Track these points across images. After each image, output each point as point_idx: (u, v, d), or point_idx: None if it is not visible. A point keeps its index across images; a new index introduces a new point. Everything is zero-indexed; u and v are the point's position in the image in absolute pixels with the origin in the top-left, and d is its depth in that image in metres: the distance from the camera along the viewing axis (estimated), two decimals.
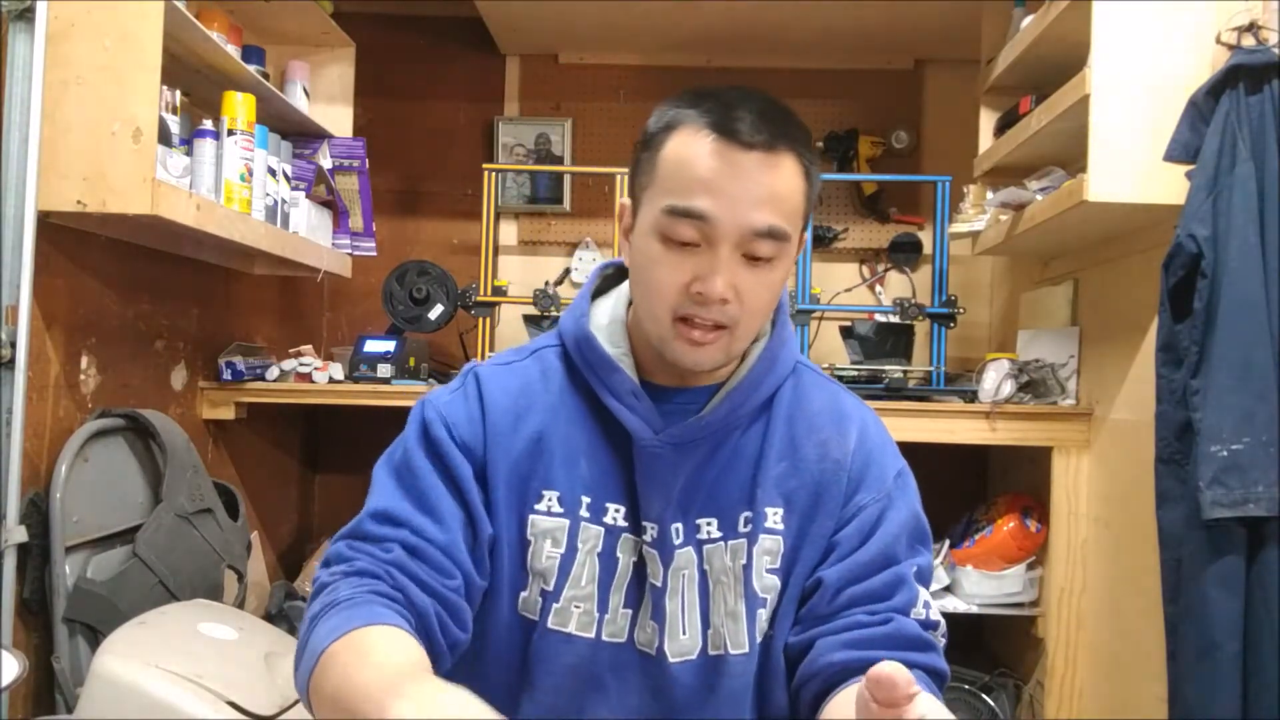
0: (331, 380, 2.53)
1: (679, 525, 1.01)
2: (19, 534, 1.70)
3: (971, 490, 2.90)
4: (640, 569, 1.02)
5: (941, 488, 2.74)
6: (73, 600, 1.77)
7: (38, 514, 1.76)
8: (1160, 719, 1.71)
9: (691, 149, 0.94)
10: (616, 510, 1.02)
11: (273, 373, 2.51)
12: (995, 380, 2.37)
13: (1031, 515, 2.42)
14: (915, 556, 1.03)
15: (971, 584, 2.43)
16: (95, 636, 1.76)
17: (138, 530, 1.91)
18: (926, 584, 1.04)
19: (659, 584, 1.00)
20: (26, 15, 1.71)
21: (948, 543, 2.52)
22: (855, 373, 2.54)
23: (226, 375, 2.44)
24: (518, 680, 1.04)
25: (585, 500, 1.02)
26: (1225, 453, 1.53)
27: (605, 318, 1.07)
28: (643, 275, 0.99)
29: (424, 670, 0.84)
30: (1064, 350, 2.41)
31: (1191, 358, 1.61)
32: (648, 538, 1.01)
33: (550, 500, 1.02)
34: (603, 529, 1.02)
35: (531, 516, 1.01)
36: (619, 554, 1.02)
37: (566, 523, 1.01)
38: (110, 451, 1.97)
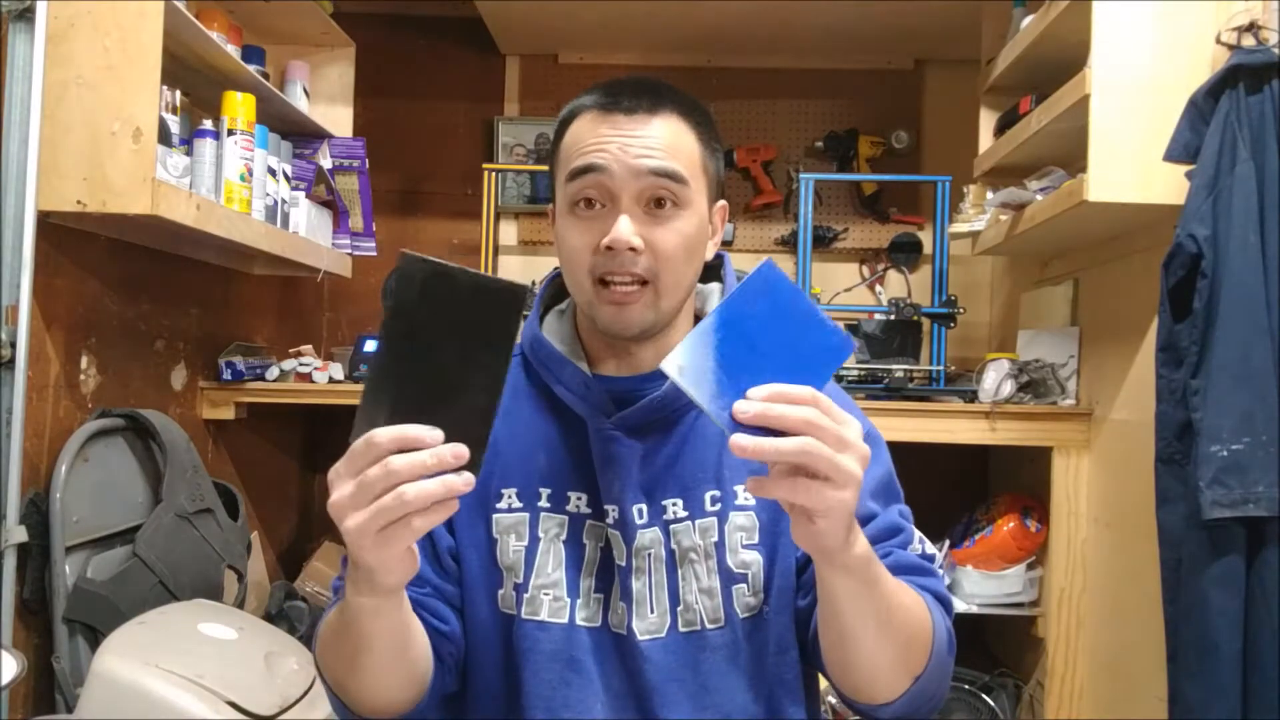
0: (331, 380, 2.53)
1: (642, 506, 1.03)
2: (19, 534, 1.70)
3: (971, 490, 2.90)
4: (608, 552, 1.04)
5: (941, 488, 2.76)
6: (73, 600, 1.77)
7: (38, 514, 1.76)
8: (1160, 719, 1.71)
9: (581, 127, 1.03)
10: (579, 498, 1.05)
11: (273, 373, 2.51)
12: (995, 380, 2.37)
13: (1031, 515, 2.42)
14: (892, 500, 1.08)
15: (971, 584, 2.43)
16: (95, 636, 1.76)
17: (138, 530, 1.91)
18: (900, 512, 1.08)
19: (623, 564, 1.03)
20: (26, 15, 1.71)
21: (948, 543, 2.52)
22: (858, 372, 2.54)
23: (226, 375, 2.44)
24: (506, 676, 1.05)
25: (545, 491, 1.05)
26: (1225, 453, 1.53)
27: (557, 319, 1.13)
28: (562, 252, 1.05)
29: None
30: (1064, 350, 2.41)
31: (1191, 358, 1.61)
32: (609, 520, 1.04)
33: (509, 497, 1.06)
34: (566, 517, 1.05)
35: (494, 516, 1.05)
36: (585, 540, 1.05)
37: (526, 515, 1.05)
38: (110, 451, 1.97)
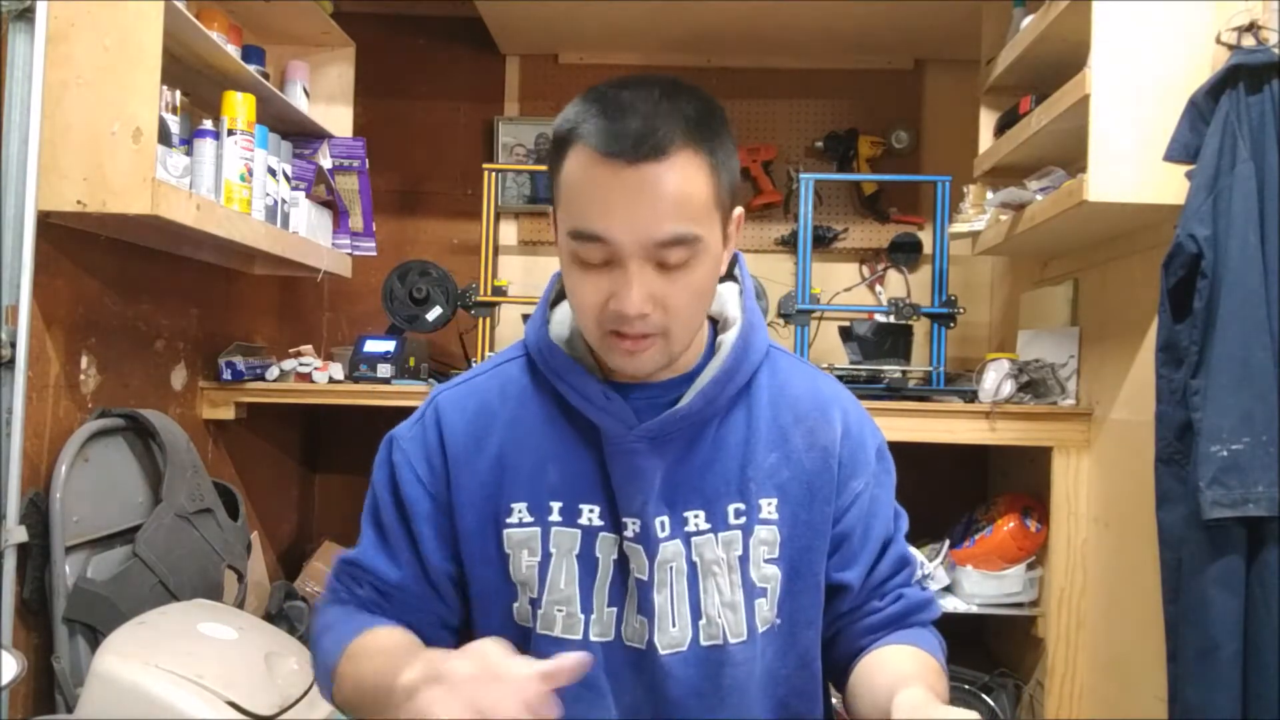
0: (331, 380, 2.53)
1: (664, 518, 1.02)
2: (19, 534, 1.70)
3: (971, 490, 2.90)
4: (623, 566, 1.03)
5: (941, 488, 2.76)
6: (73, 600, 1.77)
7: (38, 514, 1.76)
8: (1160, 719, 1.71)
9: (583, 171, 0.93)
10: (591, 510, 1.03)
11: (273, 373, 2.51)
12: (995, 380, 2.37)
13: (1031, 515, 2.42)
14: (899, 521, 1.12)
15: (971, 584, 2.43)
16: (95, 636, 1.76)
17: (138, 530, 1.91)
18: (907, 538, 1.14)
19: (644, 578, 1.01)
20: (26, 15, 1.71)
21: (948, 543, 2.52)
22: (856, 373, 2.54)
23: (226, 375, 2.44)
24: None
25: (555, 505, 1.03)
26: (1225, 453, 1.53)
27: (565, 324, 1.08)
28: (569, 293, 1.00)
29: (417, 645, 1.01)
30: (1064, 350, 2.41)
31: (1191, 358, 1.61)
32: (629, 533, 1.02)
33: (519, 511, 1.03)
34: (579, 530, 1.03)
35: (505, 531, 1.04)
36: (598, 553, 1.03)
37: (537, 530, 1.03)
38: (110, 451, 1.97)
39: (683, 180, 0.92)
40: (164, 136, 1.90)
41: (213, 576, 2.03)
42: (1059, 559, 2.32)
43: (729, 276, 1.13)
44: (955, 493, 2.79)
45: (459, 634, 1.11)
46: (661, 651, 1.01)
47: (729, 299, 1.10)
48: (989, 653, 2.79)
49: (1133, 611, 2.03)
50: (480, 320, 2.71)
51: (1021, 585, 2.42)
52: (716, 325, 1.10)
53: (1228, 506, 1.51)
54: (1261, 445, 1.51)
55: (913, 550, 1.14)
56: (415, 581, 1.07)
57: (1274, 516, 1.50)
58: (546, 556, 1.02)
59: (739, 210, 1.04)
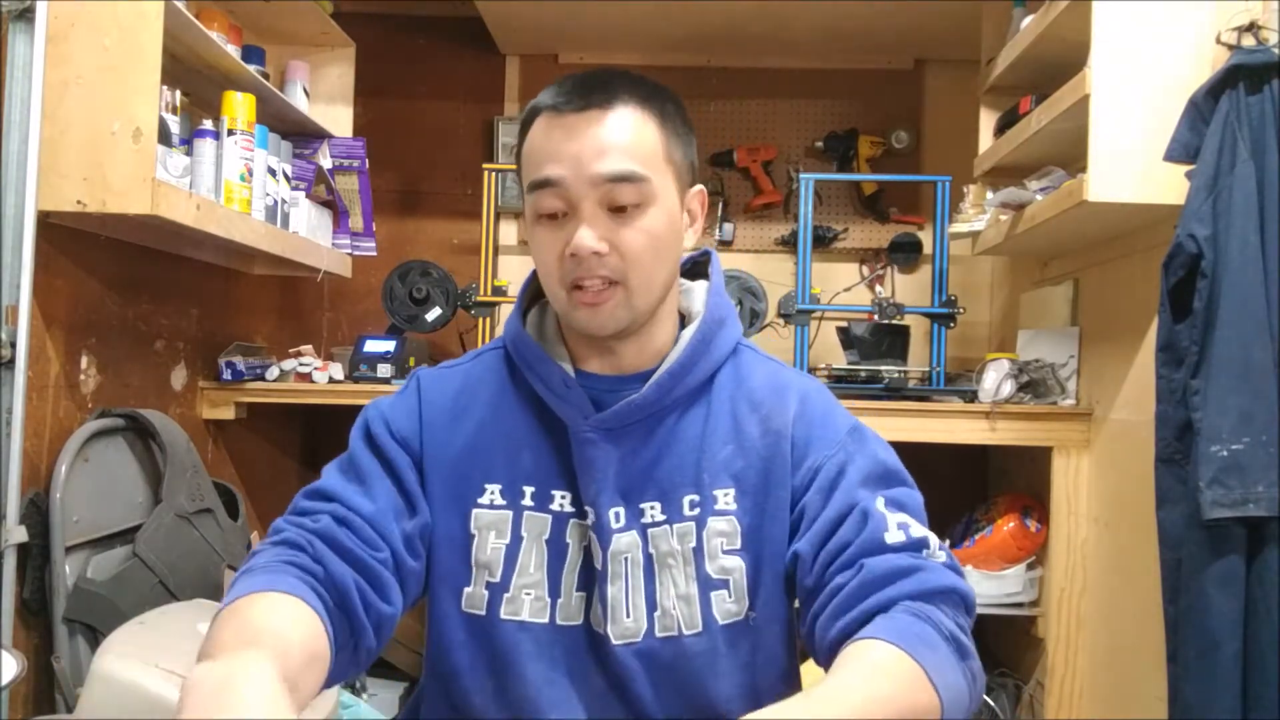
0: (331, 380, 2.53)
1: (619, 509, 1.02)
2: (19, 534, 1.70)
3: (971, 490, 2.90)
4: (590, 551, 1.03)
5: (941, 488, 2.75)
6: (73, 600, 1.77)
7: (38, 514, 1.76)
8: (1160, 719, 1.71)
9: (537, 132, 1.01)
10: (563, 497, 1.04)
11: (273, 373, 2.51)
12: (995, 380, 2.37)
13: (1031, 515, 2.42)
14: (889, 493, 1.01)
15: (971, 584, 2.42)
16: (95, 636, 1.76)
17: (138, 530, 1.91)
18: (907, 510, 1.01)
19: (600, 568, 1.02)
20: (26, 15, 1.71)
21: (947, 543, 2.51)
22: (854, 373, 2.54)
23: (226, 375, 2.44)
24: (494, 676, 1.04)
25: (529, 490, 1.04)
26: (1225, 453, 1.53)
27: (540, 315, 1.12)
28: (535, 260, 1.04)
29: (265, 645, 0.80)
30: (1064, 350, 2.41)
31: (1191, 358, 1.61)
32: (589, 521, 1.03)
33: (492, 493, 1.04)
34: (550, 516, 1.04)
35: (474, 511, 1.04)
36: (568, 539, 1.04)
37: (509, 513, 1.04)
38: (110, 451, 1.97)
39: (629, 126, 0.99)
40: (164, 136, 1.90)
41: (213, 576, 2.03)
42: (1059, 559, 2.32)
43: (703, 275, 1.14)
44: (955, 493, 2.79)
45: (416, 614, 1.10)
46: (615, 641, 1.01)
47: (698, 295, 1.11)
48: (989, 653, 2.79)
49: (1133, 611, 2.03)
50: (480, 320, 2.71)
51: (1021, 585, 2.42)
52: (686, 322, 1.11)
53: (1228, 506, 1.51)
54: (1261, 445, 1.51)
55: (904, 521, 0.98)
56: (388, 520, 1.00)
57: (1274, 516, 1.51)
58: (516, 540, 1.03)
59: (699, 188, 1.08)
